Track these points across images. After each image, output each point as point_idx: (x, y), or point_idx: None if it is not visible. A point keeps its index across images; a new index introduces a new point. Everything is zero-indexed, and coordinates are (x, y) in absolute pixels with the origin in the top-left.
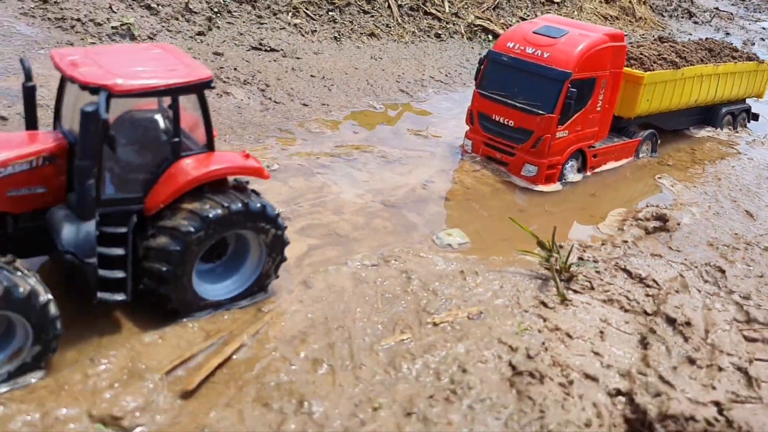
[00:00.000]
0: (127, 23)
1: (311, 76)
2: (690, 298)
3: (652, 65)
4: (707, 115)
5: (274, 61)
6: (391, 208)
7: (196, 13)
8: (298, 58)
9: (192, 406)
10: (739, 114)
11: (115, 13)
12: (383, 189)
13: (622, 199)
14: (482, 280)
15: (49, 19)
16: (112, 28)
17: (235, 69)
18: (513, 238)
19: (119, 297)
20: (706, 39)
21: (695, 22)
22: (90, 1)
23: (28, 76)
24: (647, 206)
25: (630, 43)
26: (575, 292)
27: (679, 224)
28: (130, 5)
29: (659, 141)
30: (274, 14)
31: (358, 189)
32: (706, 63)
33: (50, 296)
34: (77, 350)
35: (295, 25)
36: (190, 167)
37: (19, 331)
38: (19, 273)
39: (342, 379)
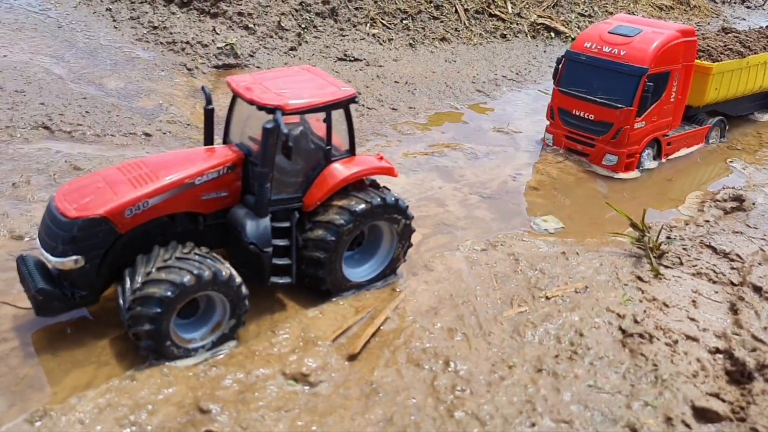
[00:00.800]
0: (230, 43)
1: (395, 82)
2: None
3: (719, 56)
4: None
5: (360, 70)
6: (488, 199)
7: (287, 30)
8: (380, 66)
9: (358, 366)
10: None
11: (218, 34)
12: (477, 182)
13: (696, 182)
14: (583, 260)
15: (161, 43)
16: (218, 48)
17: None
18: (601, 222)
19: (287, 280)
20: (767, 27)
21: (748, 7)
22: (195, 25)
23: (209, 100)
24: (724, 188)
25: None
26: (666, 267)
27: (754, 204)
28: (230, 27)
29: (727, 127)
30: (354, 26)
31: (456, 183)
32: None
33: (241, 279)
34: (257, 324)
35: (373, 35)
36: (339, 170)
37: (219, 307)
38: (217, 260)
39: (476, 344)
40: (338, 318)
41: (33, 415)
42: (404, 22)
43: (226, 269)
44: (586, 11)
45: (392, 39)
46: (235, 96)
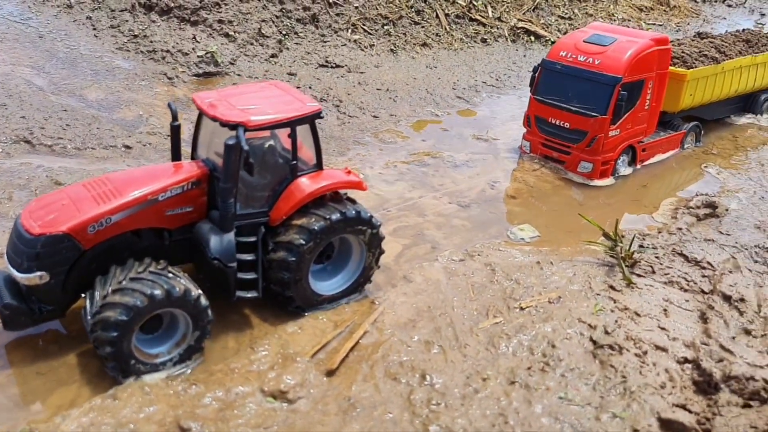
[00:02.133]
0: (210, 51)
1: (377, 89)
2: (742, 277)
3: (693, 62)
4: (747, 102)
5: (342, 77)
6: (466, 208)
7: (267, 37)
8: (362, 73)
9: (336, 382)
10: None
11: (199, 42)
12: (456, 191)
13: (671, 188)
14: (557, 269)
15: (141, 52)
16: (198, 56)
17: (310, 87)
18: (577, 230)
19: (252, 294)
20: (743, 30)
21: (729, 5)
22: (176, 33)
23: (175, 116)
24: (697, 195)
25: (671, 41)
26: (639, 276)
27: (727, 210)
28: (210, 35)
29: (702, 131)
30: (335, 32)
31: (435, 192)
32: (745, 55)
33: (200, 291)
34: (236, 341)
35: (354, 41)
36: (306, 184)
37: (181, 321)
38: (172, 276)
39: (452, 356)
40: (317, 333)
41: None
42: (385, 27)
43: (181, 285)
44: (566, 14)
45: (373, 45)
46: (201, 112)
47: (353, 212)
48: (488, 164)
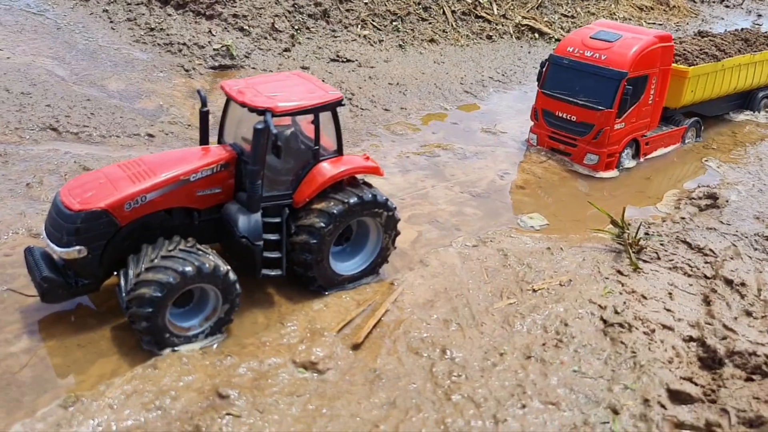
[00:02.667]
0: (226, 45)
1: (388, 83)
2: (743, 263)
3: (695, 60)
4: (745, 99)
5: (353, 71)
6: (477, 197)
7: (281, 31)
8: (372, 67)
9: (361, 355)
10: None
11: (214, 36)
12: (467, 181)
13: (674, 181)
14: (567, 255)
15: (158, 44)
16: (214, 49)
17: (323, 81)
18: (584, 219)
19: (277, 272)
20: (742, 29)
21: (727, 6)
22: (191, 27)
23: (204, 103)
24: (699, 186)
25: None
26: (645, 261)
27: (727, 201)
28: (225, 29)
29: (702, 127)
30: (346, 27)
31: (447, 182)
32: (744, 53)
33: (228, 266)
34: (265, 317)
35: (364, 36)
36: (327, 169)
37: (211, 295)
38: (201, 253)
39: (469, 333)
40: (342, 311)
41: (66, 400)
42: (394, 23)
43: (210, 261)
44: (569, 12)
45: (382, 40)
46: (229, 99)
47: (370, 196)
48: (497, 156)
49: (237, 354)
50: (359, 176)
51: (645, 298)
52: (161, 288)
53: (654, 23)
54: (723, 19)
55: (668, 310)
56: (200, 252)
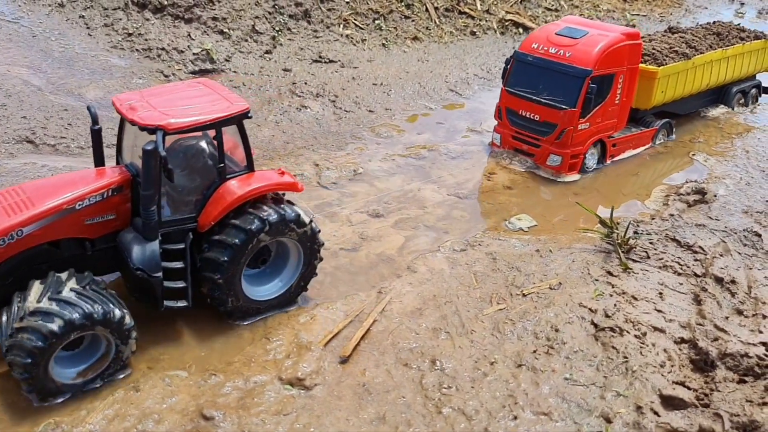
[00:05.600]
0: (206, 49)
1: (372, 84)
2: (732, 260)
3: (664, 59)
4: (719, 95)
5: (336, 72)
6: (465, 199)
7: (261, 33)
8: (355, 68)
9: (349, 369)
10: (749, 90)
11: (194, 40)
12: (454, 183)
13: (661, 176)
14: (556, 257)
15: (137, 50)
16: (194, 54)
17: (306, 83)
18: (572, 218)
19: (182, 304)
20: (714, 23)
21: None
22: (170, 31)
23: (95, 120)
24: (687, 182)
25: (642, 37)
26: (634, 261)
27: (715, 196)
28: (205, 32)
29: (674, 127)
30: (327, 27)
31: (434, 185)
32: (715, 49)
33: (124, 311)
34: (251, 332)
35: (346, 36)
36: (235, 187)
37: (102, 341)
38: (94, 294)
39: (459, 342)
40: (329, 322)
41: (46, 427)
42: (376, 22)
43: (104, 305)
44: (553, 5)
45: (365, 39)
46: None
47: (293, 215)
48: (483, 156)
49: (222, 371)
50: (281, 193)
51: (635, 299)
52: (44, 338)
53: (638, 15)
54: (707, 8)
55: (659, 311)
56: (93, 293)
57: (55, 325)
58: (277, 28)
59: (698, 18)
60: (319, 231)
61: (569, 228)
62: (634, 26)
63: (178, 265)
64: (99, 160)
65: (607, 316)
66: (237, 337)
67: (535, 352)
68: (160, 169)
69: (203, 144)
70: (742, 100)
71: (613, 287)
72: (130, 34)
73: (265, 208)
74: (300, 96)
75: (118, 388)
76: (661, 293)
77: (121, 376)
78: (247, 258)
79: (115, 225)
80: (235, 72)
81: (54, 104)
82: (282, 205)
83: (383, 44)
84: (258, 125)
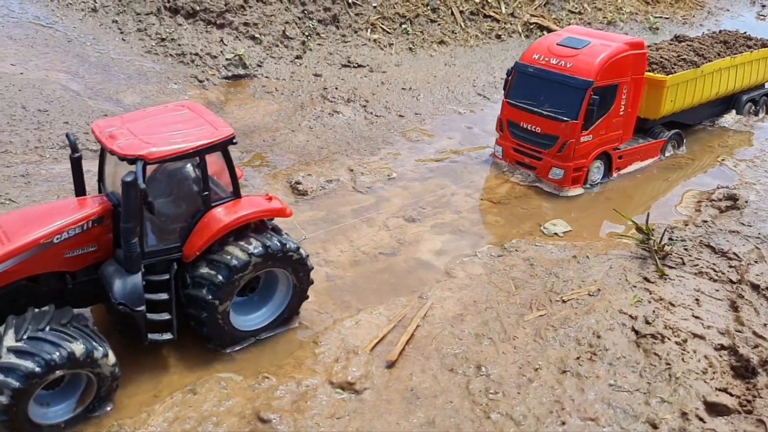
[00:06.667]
0: (238, 54)
1: (401, 88)
2: (767, 267)
3: (672, 68)
4: (729, 104)
5: (365, 76)
6: (498, 204)
7: (291, 38)
8: (383, 72)
9: (396, 373)
10: (760, 98)
11: (226, 45)
12: (487, 188)
13: (693, 182)
14: (593, 263)
15: (171, 55)
16: (227, 59)
17: (336, 88)
18: (607, 224)
19: (167, 336)
20: (721, 32)
21: None
22: (203, 36)
23: (74, 148)
24: (718, 188)
25: (648, 46)
26: (670, 267)
27: (747, 202)
28: (237, 37)
29: (684, 138)
30: (355, 32)
31: (467, 189)
32: (723, 57)
33: (106, 349)
34: (300, 336)
35: (374, 40)
36: (221, 215)
37: (83, 380)
38: (75, 332)
39: (502, 348)
40: (373, 327)
41: (109, 430)
42: (403, 26)
43: (86, 344)
44: (576, 8)
45: (392, 44)
46: None
47: (278, 245)
48: None
49: (274, 374)
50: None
51: (673, 305)
52: (22, 378)
53: (660, 17)
54: (728, 10)
55: (697, 318)
56: (74, 331)
57: (35, 365)
58: (306, 33)
59: (720, 20)
60: (308, 256)
61: (603, 233)
62: (657, 29)
63: (163, 296)
64: (80, 190)
65: (647, 322)
66: (286, 342)
67: (578, 358)
68: (141, 201)
69: (188, 170)
70: (753, 108)
71: (650, 293)
72: (163, 39)
73: (250, 240)
74: (332, 101)
75: (176, 391)
76: (697, 300)
77: (108, 409)
78: (233, 294)
79: (97, 256)
80: (267, 77)
81: (94, 109)
82: (267, 235)
83: (410, 48)
84: (292, 130)
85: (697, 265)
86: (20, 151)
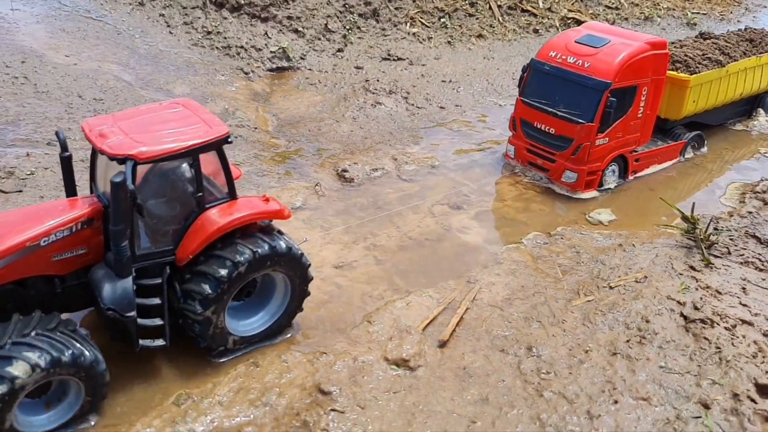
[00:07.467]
0: (282, 47)
1: (441, 81)
2: None
3: (697, 66)
4: (753, 105)
5: (405, 69)
6: (542, 194)
7: (333, 32)
8: (423, 65)
9: (448, 352)
10: None
11: (270, 38)
12: (530, 176)
13: (736, 172)
14: (639, 251)
15: (217, 48)
16: (271, 52)
17: (378, 80)
18: (650, 213)
19: (159, 343)
20: (746, 29)
21: None
22: (248, 30)
23: (64, 146)
24: (762, 180)
25: (672, 43)
26: (715, 257)
27: None
28: (280, 31)
29: (705, 139)
30: (395, 26)
31: (510, 179)
32: (749, 56)
33: (95, 354)
34: (351, 315)
35: (413, 34)
36: (216, 217)
37: (72, 387)
38: (63, 336)
39: (552, 331)
40: (423, 308)
41: (178, 398)
42: (442, 20)
43: (74, 348)
44: (613, 3)
45: (431, 37)
46: None
47: (284, 247)
48: None
49: (331, 351)
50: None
51: (720, 293)
52: (7, 383)
53: (698, 13)
54: (765, 7)
55: (744, 305)
56: (61, 335)
57: (18, 371)
58: (347, 27)
59: (758, 16)
60: (309, 265)
61: (647, 222)
62: (695, 25)
63: (155, 301)
64: (70, 190)
65: (696, 308)
66: (338, 319)
67: (628, 341)
68: (131, 203)
69: (181, 170)
70: None
71: (697, 281)
72: (209, 33)
73: (252, 240)
74: (374, 93)
75: (239, 363)
76: (744, 288)
77: (93, 422)
78: (230, 296)
79: (87, 260)
80: (310, 69)
81: (146, 99)
82: (271, 236)
83: (449, 42)
84: (337, 121)
85: (743, 254)
86: (79, 137)
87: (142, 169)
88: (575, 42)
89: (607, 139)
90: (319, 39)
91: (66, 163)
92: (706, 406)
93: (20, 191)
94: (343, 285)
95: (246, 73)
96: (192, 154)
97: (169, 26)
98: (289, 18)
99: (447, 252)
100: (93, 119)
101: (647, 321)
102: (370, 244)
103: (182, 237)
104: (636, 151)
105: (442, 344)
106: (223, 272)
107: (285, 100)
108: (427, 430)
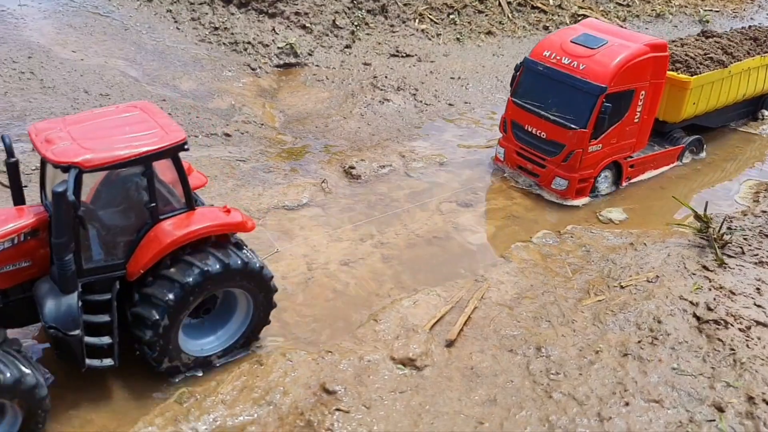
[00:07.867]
0: (290, 43)
1: (450, 78)
2: None
3: (698, 67)
4: (756, 106)
5: (413, 66)
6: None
7: (341, 28)
8: (432, 62)
9: (456, 352)
10: None
11: (278, 34)
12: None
13: (750, 171)
14: (650, 250)
15: (224, 44)
16: (278, 48)
17: (386, 77)
18: (662, 212)
19: (108, 362)
20: (750, 27)
21: None
22: (255, 25)
23: (10, 152)
24: None
25: (673, 41)
26: (729, 256)
27: None
28: (288, 26)
29: (704, 143)
30: (403, 22)
31: (519, 177)
32: (753, 55)
33: (37, 378)
34: (358, 314)
35: (422, 30)
36: (170, 229)
37: (8, 412)
38: (4, 357)
39: (561, 331)
40: (431, 307)
41: (181, 396)
42: (450, 16)
43: (12, 371)
44: (624, 0)
45: (440, 34)
46: None
47: (239, 263)
48: None
49: (336, 350)
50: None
51: (734, 293)
52: None
53: (711, 10)
54: None
55: (759, 306)
56: (5, 354)
57: None
58: (355, 23)
59: None
60: (272, 277)
61: (659, 222)
62: (707, 22)
63: (104, 318)
64: (18, 198)
65: (709, 309)
66: (344, 319)
67: (639, 342)
68: (75, 214)
69: (134, 179)
70: None
71: (710, 282)
72: (216, 28)
73: (202, 256)
74: (381, 89)
75: (243, 362)
76: (758, 289)
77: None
78: (185, 314)
79: (32, 273)
80: (317, 66)
81: (152, 95)
82: (225, 252)
83: (458, 39)
84: (344, 118)
85: (757, 254)
86: None
87: (95, 177)
88: (571, 42)
89: (600, 145)
90: (327, 35)
91: (13, 170)
92: (721, 410)
93: (26, 186)
94: (349, 283)
95: (253, 69)
96: (144, 161)
97: (176, 22)
98: (297, 14)
99: (455, 250)
100: (42, 123)
101: (659, 321)
102: (377, 242)
103: (133, 250)
104: (631, 157)
105: (450, 344)
106: (171, 296)
107: (292, 96)
108: (434, 431)
